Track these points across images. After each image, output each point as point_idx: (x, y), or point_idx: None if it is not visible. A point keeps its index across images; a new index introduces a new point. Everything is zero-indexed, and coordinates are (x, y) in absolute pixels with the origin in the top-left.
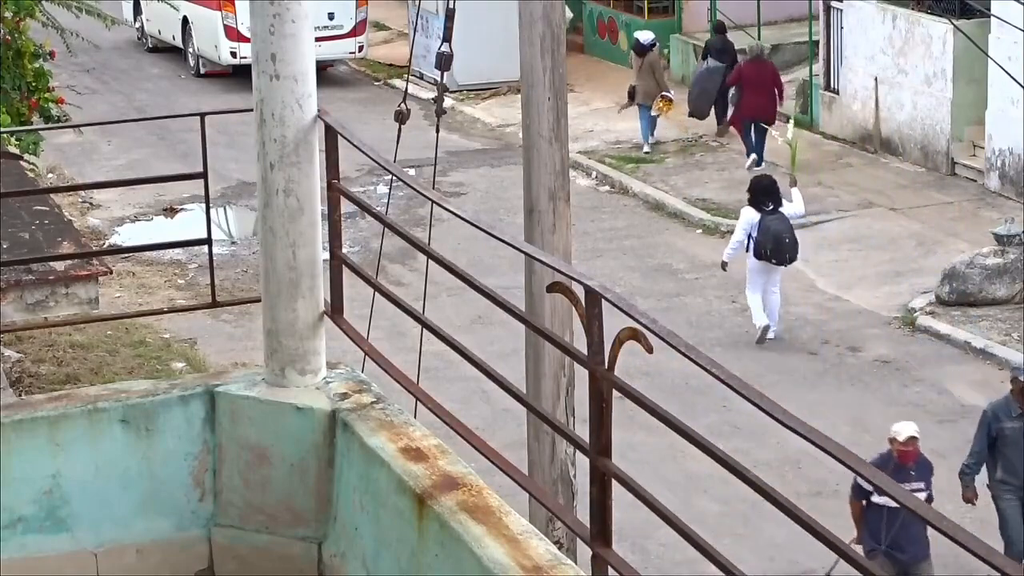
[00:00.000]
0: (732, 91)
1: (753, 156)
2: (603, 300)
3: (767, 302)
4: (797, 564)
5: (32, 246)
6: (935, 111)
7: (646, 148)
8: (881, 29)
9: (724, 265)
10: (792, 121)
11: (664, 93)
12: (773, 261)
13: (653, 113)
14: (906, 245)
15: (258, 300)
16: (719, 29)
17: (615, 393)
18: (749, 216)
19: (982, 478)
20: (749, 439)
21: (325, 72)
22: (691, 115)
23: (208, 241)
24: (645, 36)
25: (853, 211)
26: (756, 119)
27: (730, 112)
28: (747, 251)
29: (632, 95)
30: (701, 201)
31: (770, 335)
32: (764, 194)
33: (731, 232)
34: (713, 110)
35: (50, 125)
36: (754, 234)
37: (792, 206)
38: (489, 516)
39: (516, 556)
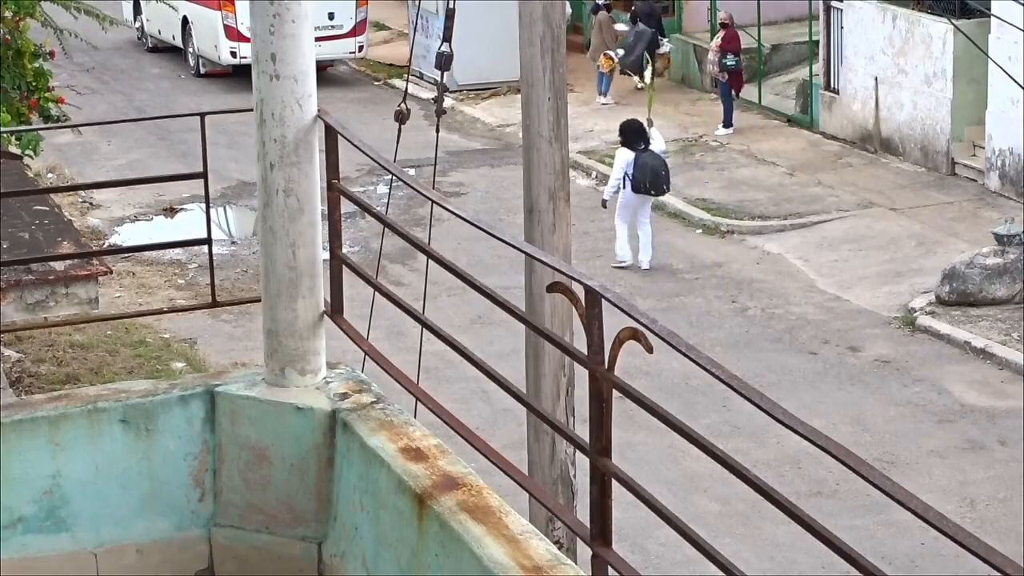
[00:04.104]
0: (737, 58)
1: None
2: (603, 300)
3: (641, 233)
4: (797, 564)
5: (32, 246)
6: (935, 111)
7: (602, 101)
8: (881, 29)
9: (604, 204)
10: (650, 67)
11: (607, 52)
12: (652, 192)
13: (602, 69)
14: (906, 245)
15: (258, 300)
16: None
17: (615, 393)
18: (625, 156)
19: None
20: (749, 439)
21: (325, 72)
22: (623, 72)
23: (208, 241)
24: None
25: (853, 211)
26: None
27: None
28: (623, 188)
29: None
30: (701, 201)
31: (646, 266)
32: (636, 134)
33: (732, 232)
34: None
35: (50, 125)
36: (630, 171)
37: (655, 144)
38: (489, 516)
39: (516, 556)
